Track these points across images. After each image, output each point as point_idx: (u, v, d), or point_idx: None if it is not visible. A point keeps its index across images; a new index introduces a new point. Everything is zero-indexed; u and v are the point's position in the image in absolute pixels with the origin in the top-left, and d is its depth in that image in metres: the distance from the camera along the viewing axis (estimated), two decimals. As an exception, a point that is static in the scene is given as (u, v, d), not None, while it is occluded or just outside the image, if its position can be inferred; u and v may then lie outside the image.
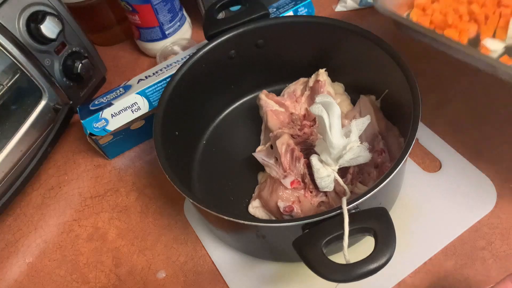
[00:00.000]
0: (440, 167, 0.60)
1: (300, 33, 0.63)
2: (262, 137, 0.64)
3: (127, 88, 0.68)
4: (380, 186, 0.43)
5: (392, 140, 0.57)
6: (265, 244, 0.53)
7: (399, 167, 0.45)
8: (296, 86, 0.65)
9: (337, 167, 0.52)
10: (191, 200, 0.48)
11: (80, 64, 0.69)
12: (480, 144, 0.62)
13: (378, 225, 0.41)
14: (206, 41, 0.62)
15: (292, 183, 0.54)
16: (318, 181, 0.52)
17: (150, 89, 0.66)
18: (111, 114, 0.65)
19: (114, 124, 0.65)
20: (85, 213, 0.66)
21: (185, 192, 0.49)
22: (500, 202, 0.56)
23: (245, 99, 0.71)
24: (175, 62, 0.69)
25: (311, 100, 0.63)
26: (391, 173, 0.44)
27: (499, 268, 0.52)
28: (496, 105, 0.65)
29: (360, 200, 0.43)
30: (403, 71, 0.52)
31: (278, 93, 0.67)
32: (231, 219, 0.46)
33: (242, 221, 0.46)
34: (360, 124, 0.51)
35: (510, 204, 0.56)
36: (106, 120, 0.65)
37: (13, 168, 0.63)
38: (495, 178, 0.58)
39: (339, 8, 0.84)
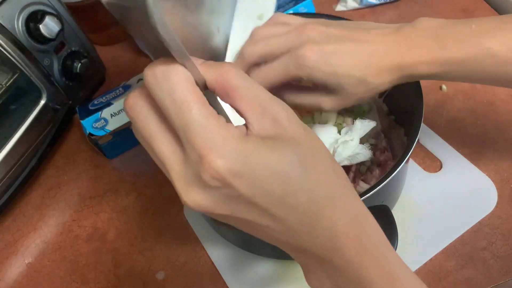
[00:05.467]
0: (441, 167, 0.60)
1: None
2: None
3: (126, 88, 0.68)
4: (382, 184, 0.43)
5: (395, 138, 0.57)
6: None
7: (402, 164, 0.45)
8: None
9: None
10: None
11: (80, 64, 0.69)
12: (480, 144, 0.61)
13: (380, 222, 0.41)
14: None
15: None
16: None
17: (150, 89, 0.66)
18: (111, 114, 0.65)
19: (114, 124, 0.65)
20: (84, 214, 0.66)
21: None
22: (500, 202, 0.56)
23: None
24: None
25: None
26: (394, 171, 0.44)
27: (500, 269, 0.51)
28: (496, 105, 0.65)
29: (362, 198, 0.43)
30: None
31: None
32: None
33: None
34: (366, 125, 0.51)
35: (511, 204, 0.56)
36: (106, 120, 0.65)
37: (12, 168, 0.63)
38: (495, 178, 0.58)
39: (339, 7, 0.84)
